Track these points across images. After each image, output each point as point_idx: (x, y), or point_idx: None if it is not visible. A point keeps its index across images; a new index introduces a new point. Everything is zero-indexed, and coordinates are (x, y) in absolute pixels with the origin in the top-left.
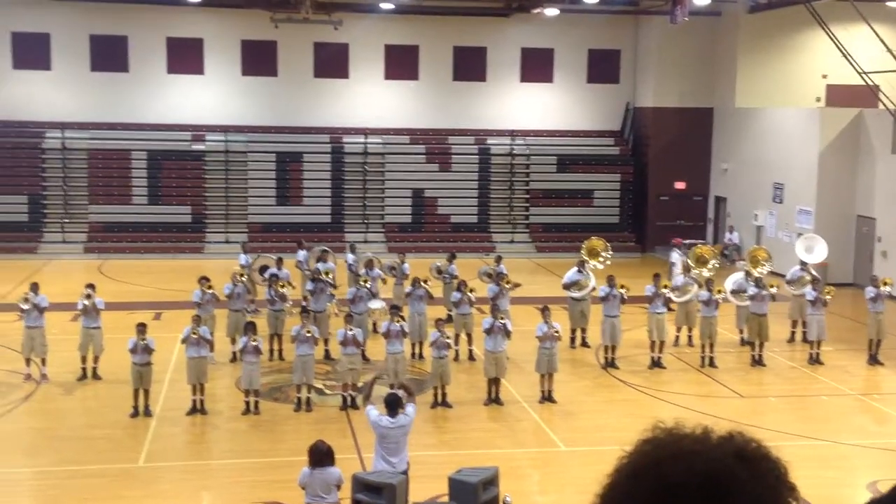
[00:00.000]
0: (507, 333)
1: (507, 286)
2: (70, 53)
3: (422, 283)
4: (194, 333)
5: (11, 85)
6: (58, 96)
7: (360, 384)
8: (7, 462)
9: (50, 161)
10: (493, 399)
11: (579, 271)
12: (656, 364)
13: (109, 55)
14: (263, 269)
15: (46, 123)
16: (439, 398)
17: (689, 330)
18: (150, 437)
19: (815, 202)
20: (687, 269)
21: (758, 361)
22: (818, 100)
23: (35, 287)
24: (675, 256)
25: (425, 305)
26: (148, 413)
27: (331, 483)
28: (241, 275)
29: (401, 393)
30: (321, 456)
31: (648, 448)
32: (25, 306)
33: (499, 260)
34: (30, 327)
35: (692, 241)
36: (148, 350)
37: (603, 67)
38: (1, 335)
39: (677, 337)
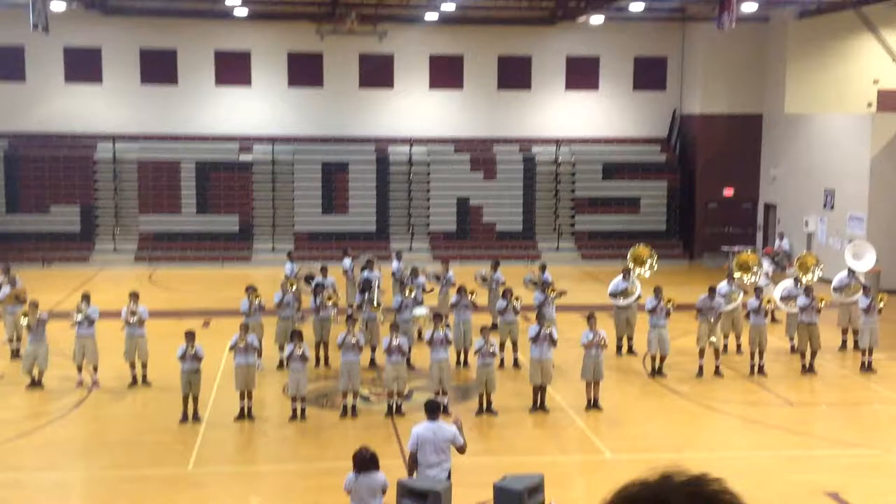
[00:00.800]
0: (553, 341)
1: (552, 294)
2: (120, 67)
3: (468, 294)
4: (241, 342)
5: (64, 98)
6: (109, 109)
7: (405, 392)
8: (60, 466)
9: (101, 172)
10: (539, 406)
11: (624, 279)
12: (657, 372)
13: (159, 68)
14: (309, 278)
15: (98, 135)
16: (484, 405)
17: (738, 338)
18: (199, 442)
19: (867, 208)
20: (731, 277)
21: (808, 369)
22: (869, 105)
23: (87, 298)
24: (766, 265)
25: (470, 313)
26: (197, 419)
27: (376, 488)
28: (291, 283)
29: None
30: (366, 462)
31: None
32: (78, 318)
33: (543, 268)
34: (81, 336)
35: (741, 247)
36: (197, 357)
37: (649, 74)
38: (54, 342)
39: (725, 345)
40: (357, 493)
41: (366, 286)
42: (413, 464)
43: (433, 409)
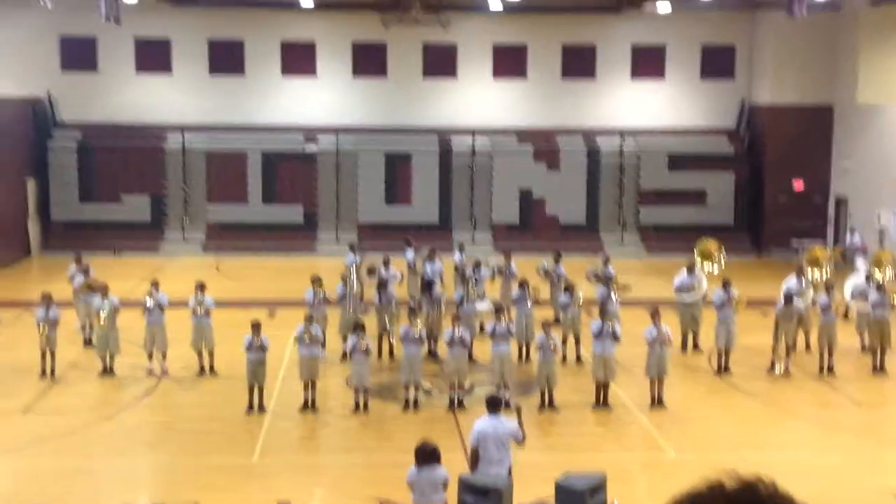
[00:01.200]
0: (616, 337)
1: (616, 290)
2: (189, 58)
3: (529, 290)
4: (307, 334)
5: (135, 89)
6: (178, 99)
7: (466, 384)
8: (129, 453)
9: (171, 162)
10: (602, 403)
11: (689, 274)
12: (724, 369)
13: (227, 59)
14: (371, 270)
15: (168, 126)
16: (546, 401)
17: (806, 335)
18: (265, 432)
19: None
20: (801, 272)
21: (879, 368)
22: None
23: (156, 285)
24: (860, 263)
25: (532, 307)
26: (262, 409)
27: (437, 482)
28: (349, 275)
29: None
30: (428, 455)
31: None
32: (150, 304)
33: (607, 261)
34: (151, 324)
35: (810, 241)
36: (262, 348)
37: (717, 63)
38: (124, 330)
39: (794, 343)
40: (419, 486)
41: (426, 286)
42: (475, 459)
43: (494, 404)
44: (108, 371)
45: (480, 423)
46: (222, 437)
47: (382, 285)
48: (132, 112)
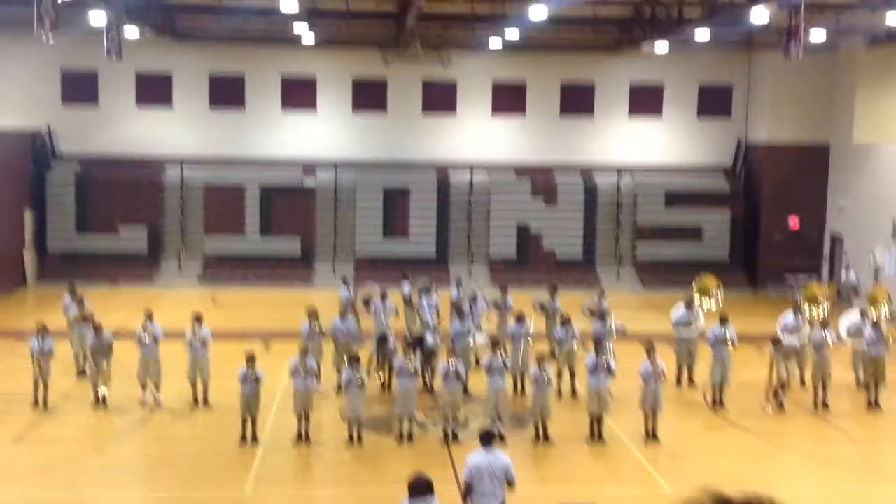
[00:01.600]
0: (611, 371)
1: (614, 331)
2: (190, 92)
3: (527, 322)
4: (302, 367)
5: (135, 122)
6: (178, 133)
7: (461, 418)
8: (121, 485)
9: (169, 194)
10: (596, 436)
11: (688, 309)
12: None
13: (227, 93)
14: (367, 301)
15: (167, 159)
16: (541, 434)
17: (801, 370)
18: (257, 464)
19: None
20: (797, 309)
21: (874, 404)
22: None
23: (150, 316)
24: (856, 301)
25: (529, 341)
26: (255, 441)
27: None
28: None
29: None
30: (421, 488)
31: None
32: (146, 338)
33: (602, 294)
34: (145, 355)
35: (806, 277)
36: (256, 380)
37: (714, 102)
38: (119, 361)
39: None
40: None
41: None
42: (468, 493)
43: (488, 438)
44: (101, 402)
45: (475, 456)
46: (215, 469)
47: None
48: (132, 145)
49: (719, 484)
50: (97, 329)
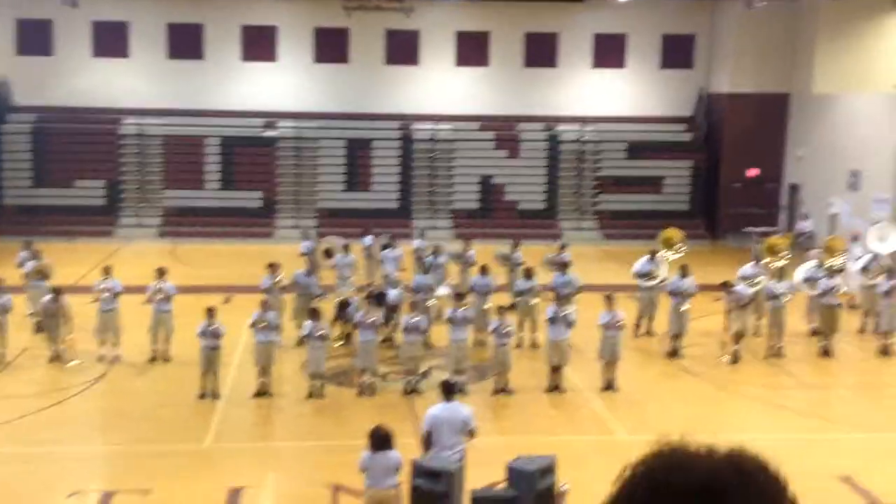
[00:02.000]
0: (570, 323)
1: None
2: (148, 41)
3: (489, 274)
4: (262, 321)
5: (91, 73)
6: (135, 83)
7: (421, 370)
8: (80, 439)
9: (127, 147)
10: (555, 387)
11: (651, 260)
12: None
13: (186, 43)
14: (328, 252)
15: (124, 110)
16: (500, 385)
17: (758, 320)
18: (218, 418)
19: (893, 190)
20: (758, 259)
21: (827, 352)
22: None
23: (108, 271)
24: (856, 250)
25: (491, 294)
26: (216, 395)
27: (390, 467)
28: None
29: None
30: (381, 440)
31: (651, 459)
32: (105, 295)
33: (563, 247)
34: (103, 310)
35: (765, 229)
36: (217, 334)
37: (677, 53)
38: (77, 316)
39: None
40: (372, 471)
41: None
42: (427, 444)
43: (449, 390)
44: (57, 358)
45: (435, 409)
46: (175, 423)
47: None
48: (88, 96)
49: (674, 431)
50: (56, 292)
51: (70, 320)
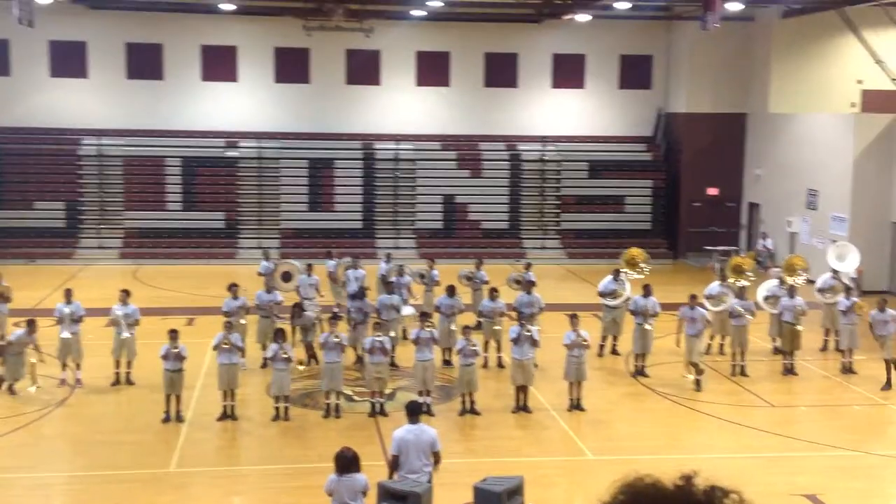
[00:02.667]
0: (535, 342)
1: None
2: (106, 61)
3: (456, 294)
4: (225, 343)
5: (49, 92)
6: (94, 104)
7: (387, 391)
8: (41, 466)
9: (86, 168)
10: (521, 407)
11: (615, 279)
12: (639, 373)
13: (145, 63)
14: (286, 275)
15: (83, 130)
16: (467, 405)
17: (722, 339)
18: (182, 442)
19: (850, 209)
20: (723, 279)
21: (790, 370)
22: (853, 105)
23: (69, 294)
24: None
25: (456, 314)
26: (179, 418)
27: (356, 490)
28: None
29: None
30: (347, 463)
31: (629, 501)
32: (66, 319)
33: (528, 266)
34: (65, 334)
35: (726, 248)
36: (180, 357)
37: (635, 73)
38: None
39: (709, 345)
40: (338, 494)
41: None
42: (394, 467)
43: (414, 412)
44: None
45: (401, 430)
46: (138, 447)
47: (298, 307)
48: (46, 116)
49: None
50: (30, 324)
51: (40, 354)
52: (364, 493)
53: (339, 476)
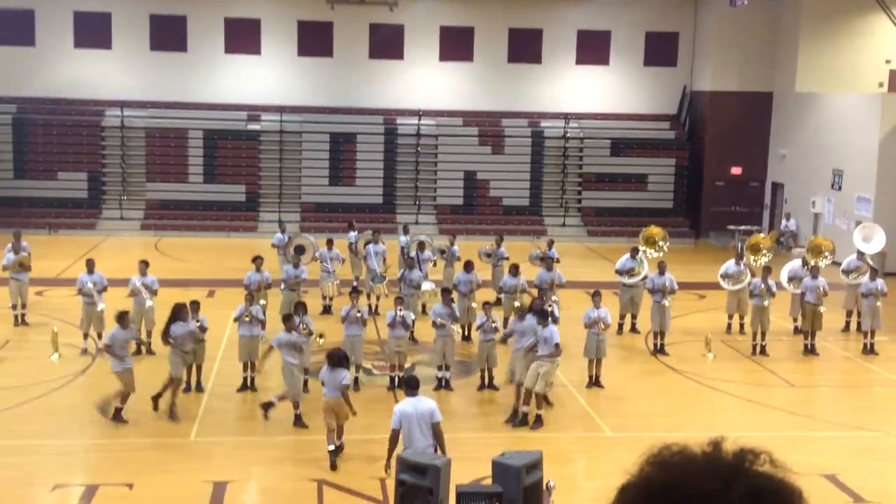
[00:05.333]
0: (555, 319)
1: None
2: (130, 33)
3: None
4: (247, 315)
5: (73, 64)
6: (118, 75)
7: (407, 365)
8: (63, 434)
9: (109, 139)
10: None
11: (633, 257)
12: (659, 351)
13: (169, 35)
14: (299, 248)
15: (106, 102)
16: (486, 381)
17: (741, 318)
18: (202, 412)
19: (875, 190)
20: (740, 257)
21: (810, 350)
22: (880, 85)
23: (91, 265)
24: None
25: (475, 290)
26: (200, 388)
27: (338, 381)
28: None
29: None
30: (336, 360)
31: (649, 465)
32: (86, 284)
33: (551, 243)
34: (87, 303)
35: (748, 227)
36: (201, 328)
37: (660, 50)
38: (59, 309)
39: (729, 325)
40: (327, 383)
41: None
42: (394, 441)
43: (412, 385)
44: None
45: (402, 404)
46: (159, 416)
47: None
48: (70, 87)
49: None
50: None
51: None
52: (346, 386)
53: (330, 369)
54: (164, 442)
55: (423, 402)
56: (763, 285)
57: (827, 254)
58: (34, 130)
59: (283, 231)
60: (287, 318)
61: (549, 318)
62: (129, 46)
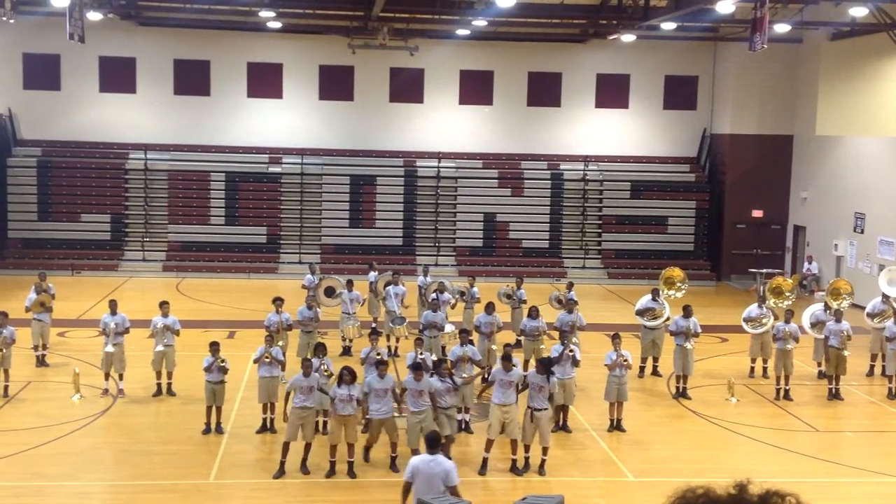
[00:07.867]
0: (576, 362)
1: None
2: (154, 77)
3: (495, 312)
4: (267, 356)
5: (98, 107)
6: (142, 119)
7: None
8: (82, 475)
9: (132, 181)
10: (561, 426)
11: (654, 299)
12: (681, 394)
13: (192, 79)
14: (329, 290)
15: (130, 145)
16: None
17: (765, 361)
18: (222, 453)
19: None
20: (762, 300)
21: (835, 395)
22: None
23: (114, 306)
24: (818, 293)
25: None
26: (220, 430)
27: (353, 397)
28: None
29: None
30: (348, 378)
31: None
32: (108, 336)
33: (570, 286)
34: (109, 345)
35: (770, 271)
36: (223, 369)
37: (680, 93)
38: (81, 350)
39: (752, 368)
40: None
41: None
42: (407, 492)
43: (432, 443)
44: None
45: (416, 458)
46: (179, 458)
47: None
48: (94, 130)
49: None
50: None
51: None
52: (358, 402)
53: (340, 386)
54: (183, 484)
55: (440, 464)
56: (787, 328)
57: (846, 296)
58: (58, 173)
59: (313, 272)
60: (305, 362)
61: (551, 370)
62: (154, 91)
